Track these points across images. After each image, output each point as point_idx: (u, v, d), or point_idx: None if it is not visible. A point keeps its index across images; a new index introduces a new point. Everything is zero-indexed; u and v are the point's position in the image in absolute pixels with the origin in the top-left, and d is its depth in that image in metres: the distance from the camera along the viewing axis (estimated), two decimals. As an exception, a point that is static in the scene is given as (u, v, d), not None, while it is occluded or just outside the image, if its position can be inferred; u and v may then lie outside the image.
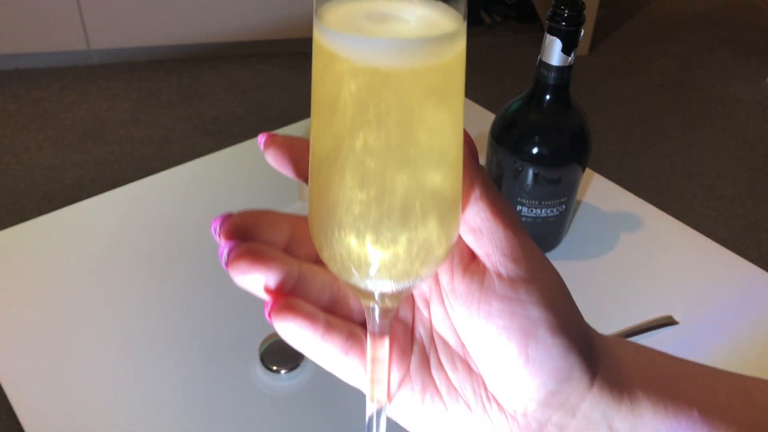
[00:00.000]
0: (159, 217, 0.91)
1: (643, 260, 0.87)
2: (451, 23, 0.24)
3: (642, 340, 0.76)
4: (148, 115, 2.44)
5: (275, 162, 0.29)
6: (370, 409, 0.30)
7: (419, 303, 0.31)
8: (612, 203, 0.95)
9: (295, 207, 0.92)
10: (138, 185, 0.96)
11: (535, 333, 0.27)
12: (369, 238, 0.25)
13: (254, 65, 2.72)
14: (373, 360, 0.29)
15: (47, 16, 2.47)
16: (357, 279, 0.27)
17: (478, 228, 0.28)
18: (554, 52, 0.72)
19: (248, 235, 0.28)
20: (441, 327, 0.30)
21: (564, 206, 0.82)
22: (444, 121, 0.25)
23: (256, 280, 0.27)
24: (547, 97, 0.76)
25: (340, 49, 0.24)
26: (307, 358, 0.66)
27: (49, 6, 2.44)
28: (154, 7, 2.52)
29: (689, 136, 2.46)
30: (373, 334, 0.28)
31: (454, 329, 0.30)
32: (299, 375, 0.70)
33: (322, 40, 0.25)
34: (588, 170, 0.96)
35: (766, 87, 2.75)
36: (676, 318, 0.79)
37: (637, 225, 0.92)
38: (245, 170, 1.00)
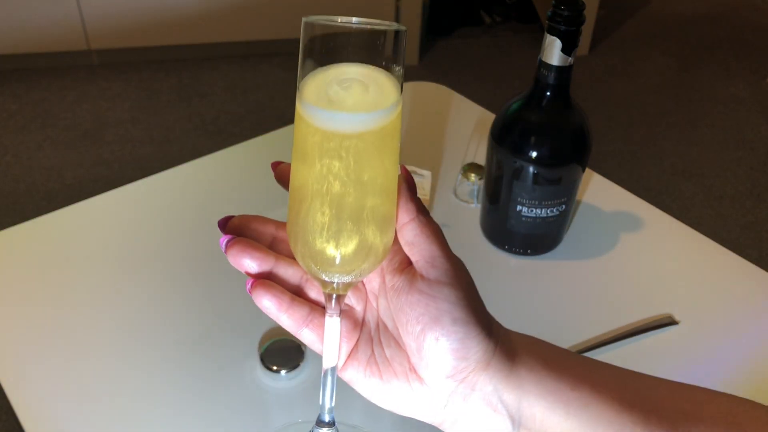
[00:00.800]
0: (159, 217, 0.91)
1: (643, 260, 0.87)
2: (392, 92, 0.36)
3: (642, 340, 0.76)
4: (148, 115, 2.44)
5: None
6: (324, 369, 0.40)
7: (371, 297, 0.42)
8: (612, 203, 0.95)
9: (295, 207, 0.92)
10: (138, 185, 0.96)
11: (441, 321, 0.36)
12: (327, 244, 0.37)
13: (254, 65, 2.72)
14: (327, 334, 0.40)
15: (47, 16, 2.47)
16: (317, 272, 0.38)
17: (412, 242, 0.38)
18: (554, 52, 0.72)
19: (243, 232, 0.41)
20: (384, 314, 0.41)
21: (564, 206, 0.82)
22: (383, 165, 0.37)
23: (243, 264, 0.40)
24: (547, 97, 0.76)
25: (309, 116, 0.36)
26: (307, 358, 0.68)
27: (49, 6, 2.44)
28: (154, 7, 2.52)
29: (689, 136, 2.46)
30: (330, 314, 0.39)
31: (391, 316, 0.40)
32: (299, 375, 0.70)
33: (300, 107, 0.37)
34: (588, 170, 0.96)
35: (766, 87, 2.75)
36: (676, 318, 0.79)
37: (637, 225, 0.92)
38: (245, 170, 1.00)
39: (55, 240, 0.87)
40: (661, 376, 0.76)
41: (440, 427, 0.40)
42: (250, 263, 0.40)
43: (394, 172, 0.38)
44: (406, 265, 0.39)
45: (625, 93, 2.68)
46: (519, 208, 0.81)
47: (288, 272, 0.41)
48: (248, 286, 0.40)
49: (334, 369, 0.40)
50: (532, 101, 0.77)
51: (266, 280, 0.40)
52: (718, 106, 2.62)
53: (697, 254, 0.89)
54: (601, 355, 0.75)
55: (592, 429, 0.37)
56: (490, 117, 1.10)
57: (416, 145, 1.01)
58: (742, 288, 0.84)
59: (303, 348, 0.71)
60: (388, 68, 0.36)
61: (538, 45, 0.75)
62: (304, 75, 0.36)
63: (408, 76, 2.45)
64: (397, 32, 0.35)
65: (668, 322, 0.78)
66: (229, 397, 0.69)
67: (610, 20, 3.11)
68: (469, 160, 0.95)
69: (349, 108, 0.35)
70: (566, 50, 0.72)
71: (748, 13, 3.28)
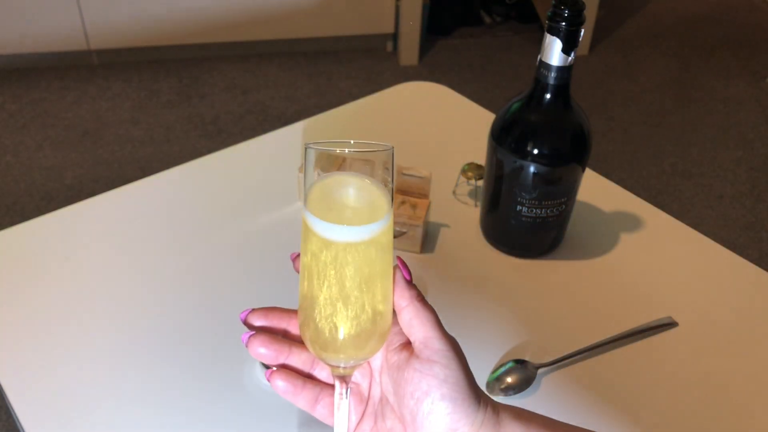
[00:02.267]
0: (159, 217, 0.91)
1: (643, 260, 0.87)
2: (384, 205, 0.43)
3: (642, 341, 0.77)
4: (148, 115, 2.44)
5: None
6: None
7: (375, 373, 0.47)
8: (612, 203, 0.95)
9: (295, 207, 0.92)
10: (138, 185, 0.96)
11: (431, 395, 0.41)
12: (332, 334, 0.43)
13: (254, 65, 2.72)
14: (337, 409, 0.45)
15: (47, 16, 2.47)
16: (325, 357, 0.44)
17: (409, 324, 0.43)
18: (554, 52, 0.72)
19: (264, 320, 0.47)
20: (386, 389, 0.46)
21: (564, 206, 0.82)
22: (379, 266, 0.43)
23: (262, 356, 0.46)
24: (547, 97, 0.76)
25: (313, 226, 0.42)
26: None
27: (49, 6, 2.44)
28: (154, 7, 2.52)
29: (689, 136, 2.46)
30: (339, 393, 0.45)
31: (392, 390, 0.45)
32: (299, 375, 0.70)
33: (305, 216, 0.43)
34: (588, 170, 0.96)
35: (766, 87, 2.74)
36: (676, 319, 0.79)
37: (637, 225, 0.92)
38: (245, 170, 1.00)
39: (55, 240, 0.87)
40: (662, 376, 0.76)
41: None
42: (267, 353, 0.46)
43: (389, 267, 0.44)
44: (405, 344, 0.45)
45: (625, 93, 2.68)
46: (519, 208, 0.81)
47: (302, 357, 0.47)
48: (267, 376, 0.46)
49: None
50: (532, 101, 0.77)
51: (282, 368, 0.46)
52: (718, 106, 2.62)
53: (697, 254, 0.89)
54: (601, 355, 0.75)
55: None
56: (490, 117, 1.10)
57: (416, 145, 1.01)
58: (742, 288, 0.84)
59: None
60: (381, 180, 0.43)
61: (538, 45, 0.75)
62: (307, 188, 0.43)
63: (408, 76, 2.45)
64: (385, 152, 0.42)
65: (668, 322, 0.78)
66: (229, 397, 0.69)
67: (610, 20, 3.11)
68: (469, 160, 0.95)
69: (347, 220, 0.42)
70: (566, 50, 0.72)
71: (748, 13, 3.28)
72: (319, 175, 0.42)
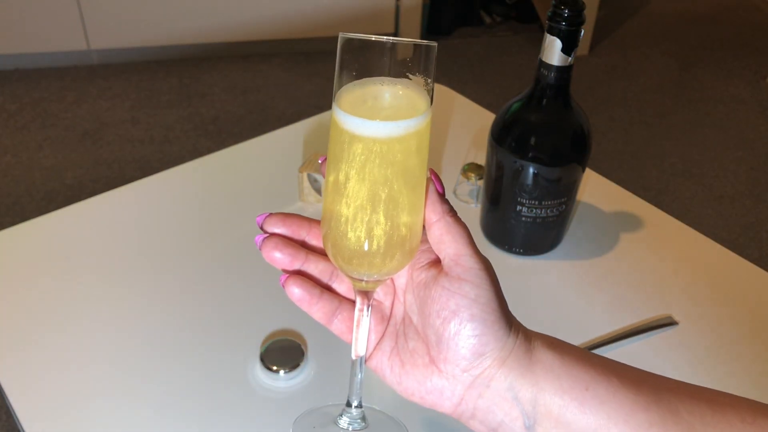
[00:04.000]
0: (159, 217, 0.91)
1: (643, 260, 0.87)
2: (422, 103, 0.39)
3: (642, 340, 0.77)
4: (148, 115, 2.44)
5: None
6: (353, 358, 0.43)
7: (399, 292, 0.44)
8: (612, 203, 0.95)
9: (295, 207, 0.92)
10: (138, 185, 0.96)
11: (459, 316, 0.38)
12: (357, 244, 0.40)
13: (254, 65, 2.72)
14: (357, 325, 0.43)
15: (47, 16, 2.47)
16: (348, 270, 0.41)
17: (439, 240, 0.40)
18: (554, 52, 0.72)
19: (282, 227, 0.44)
20: (409, 309, 0.43)
21: (564, 206, 0.82)
22: (412, 170, 0.39)
23: (275, 259, 0.43)
24: (547, 97, 0.76)
25: (344, 123, 0.38)
26: (306, 359, 0.67)
27: (49, 6, 2.44)
28: (154, 7, 2.52)
29: (689, 136, 2.46)
30: (359, 308, 0.42)
31: (416, 310, 0.42)
32: (299, 375, 0.70)
33: (336, 115, 0.39)
34: (588, 170, 0.96)
35: (766, 87, 2.74)
36: (676, 318, 0.79)
37: (637, 225, 0.92)
38: (245, 170, 1.00)
39: (55, 240, 0.87)
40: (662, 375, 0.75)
41: (458, 420, 0.41)
42: (282, 258, 0.43)
43: (422, 176, 0.40)
44: (433, 262, 0.41)
45: (625, 93, 2.68)
46: (519, 208, 0.81)
47: (319, 267, 0.44)
48: (282, 281, 0.43)
49: (362, 358, 0.43)
50: (532, 101, 0.77)
51: (298, 275, 0.43)
52: (718, 106, 2.62)
53: (697, 254, 0.89)
54: (602, 354, 0.75)
55: (606, 428, 0.37)
56: (490, 117, 1.10)
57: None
58: (742, 288, 0.84)
59: (303, 348, 0.71)
60: (418, 78, 0.39)
61: (538, 45, 0.75)
62: (340, 85, 0.39)
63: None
64: (427, 47, 0.38)
65: (668, 322, 0.78)
66: (229, 397, 0.69)
67: (610, 20, 3.11)
68: (469, 160, 0.95)
69: (381, 117, 0.38)
70: (566, 50, 0.72)
71: (748, 13, 3.28)
72: (351, 71, 0.39)
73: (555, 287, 0.83)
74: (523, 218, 0.82)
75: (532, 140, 0.78)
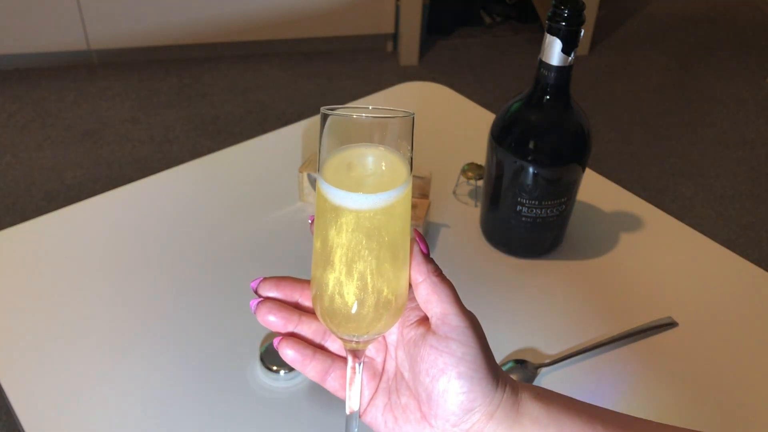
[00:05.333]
0: (159, 217, 0.91)
1: (643, 260, 0.87)
2: (402, 173, 0.40)
3: (642, 341, 0.77)
4: (148, 115, 2.44)
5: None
6: (347, 413, 0.45)
7: (390, 348, 0.46)
8: (612, 203, 0.95)
9: (295, 207, 0.92)
10: (138, 185, 0.96)
11: (447, 374, 0.40)
12: (345, 307, 0.41)
13: (254, 65, 2.72)
14: (350, 383, 0.44)
15: (47, 16, 2.47)
16: (338, 331, 0.42)
17: (426, 299, 0.42)
18: (554, 52, 0.72)
19: (275, 291, 0.46)
20: (401, 365, 0.44)
21: (564, 206, 0.82)
22: (395, 236, 0.41)
23: (270, 323, 0.45)
24: (547, 97, 0.76)
25: (327, 194, 0.40)
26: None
27: (49, 6, 2.44)
28: (155, 7, 2.52)
29: (689, 136, 2.46)
30: (351, 367, 0.44)
31: (407, 366, 0.43)
32: (299, 375, 0.70)
33: (320, 185, 0.41)
34: (588, 170, 0.96)
35: (766, 87, 2.74)
36: (676, 319, 0.79)
37: (637, 225, 0.92)
38: (245, 170, 1.00)
39: (55, 240, 0.87)
40: (662, 376, 0.76)
41: None
42: (276, 321, 0.44)
43: (406, 239, 0.42)
44: (421, 320, 0.43)
45: (625, 93, 2.68)
46: (519, 208, 0.81)
47: (312, 327, 0.45)
48: (275, 343, 0.45)
49: (356, 414, 0.45)
50: (532, 101, 0.77)
51: (291, 336, 0.45)
52: (718, 106, 2.62)
53: (697, 254, 0.89)
54: (602, 355, 0.75)
55: None
56: (490, 117, 1.10)
57: (416, 145, 1.01)
58: (742, 288, 0.84)
59: (303, 348, 0.71)
60: (398, 148, 0.40)
61: (538, 45, 0.75)
62: (323, 154, 0.40)
63: (408, 75, 2.45)
64: (404, 119, 0.40)
65: (668, 323, 0.78)
66: (229, 397, 0.69)
67: (610, 20, 3.11)
68: (469, 160, 0.95)
69: (365, 187, 0.40)
70: (566, 50, 0.72)
71: (748, 13, 3.28)
72: (334, 143, 0.40)
73: (555, 288, 0.83)
74: (523, 218, 0.82)
75: (532, 140, 0.78)
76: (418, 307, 0.43)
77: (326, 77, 2.67)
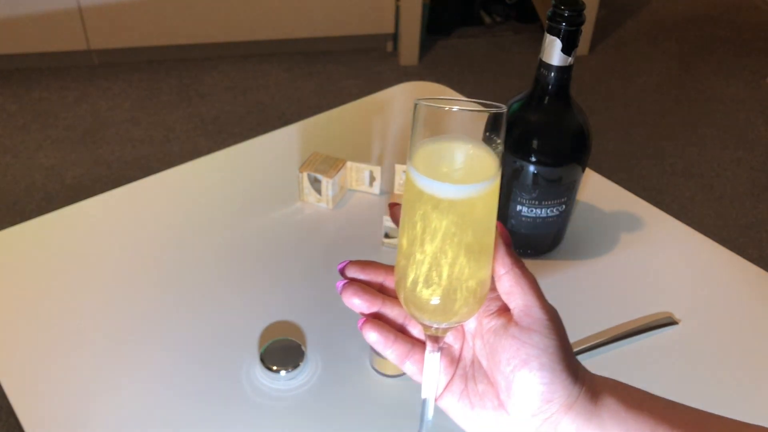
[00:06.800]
0: (159, 217, 0.91)
1: (643, 260, 0.87)
2: (492, 165, 0.41)
3: (642, 340, 0.77)
4: (148, 115, 2.44)
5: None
6: (423, 398, 0.46)
7: (468, 336, 0.47)
8: (612, 203, 0.95)
9: (295, 207, 0.92)
10: (138, 185, 0.96)
11: (529, 365, 0.40)
12: (428, 295, 0.42)
13: (254, 65, 2.72)
14: (426, 369, 0.45)
15: (47, 16, 2.47)
16: (419, 317, 0.44)
17: (508, 291, 0.43)
18: (554, 52, 0.72)
19: (361, 273, 0.47)
20: (479, 353, 0.45)
21: (564, 206, 0.82)
22: (481, 227, 0.42)
23: (354, 304, 0.46)
24: (547, 97, 0.76)
25: (419, 184, 0.41)
26: (306, 359, 0.67)
27: (49, 6, 2.44)
28: (155, 7, 2.52)
29: (689, 136, 2.46)
30: (430, 352, 0.45)
31: (486, 355, 0.44)
32: (299, 375, 0.70)
33: (411, 174, 0.42)
34: (588, 170, 0.96)
35: (766, 87, 2.75)
36: (676, 318, 0.79)
37: (637, 225, 0.92)
38: (245, 170, 1.00)
39: (55, 240, 0.87)
40: (662, 375, 0.76)
41: None
42: (360, 304, 0.46)
43: (491, 231, 0.43)
44: (501, 310, 0.44)
45: (625, 93, 2.68)
46: (519, 208, 0.81)
47: (394, 312, 0.47)
48: (359, 324, 0.46)
49: (430, 399, 0.46)
50: (532, 101, 0.77)
51: (375, 318, 0.46)
52: (718, 106, 2.62)
53: (697, 254, 0.89)
54: (602, 355, 0.75)
55: None
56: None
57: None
58: (742, 288, 0.84)
59: (303, 348, 0.71)
60: (488, 142, 0.41)
61: (538, 45, 0.75)
62: (414, 144, 0.42)
63: (408, 76, 2.45)
64: (497, 114, 0.40)
65: (668, 322, 0.78)
66: (229, 397, 0.69)
67: (610, 20, 3.11)
68: (469, 160, 0.95)
69: (454, 178, 0.41)
70: (566, 50, 0.72)
71: (748, 13, 3.28)
72: (425, 133, 0.42)
73: (555, 287, 0.83)
74: (523, 218, 0.82)
75: (532, 140, 0.78)
76: (498, 298, 0.44)
77: (326, 77, 2.67)
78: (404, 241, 0.43)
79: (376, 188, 0.95)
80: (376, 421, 0.67)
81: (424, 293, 0.42)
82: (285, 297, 0.79)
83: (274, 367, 0.69)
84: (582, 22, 0.71)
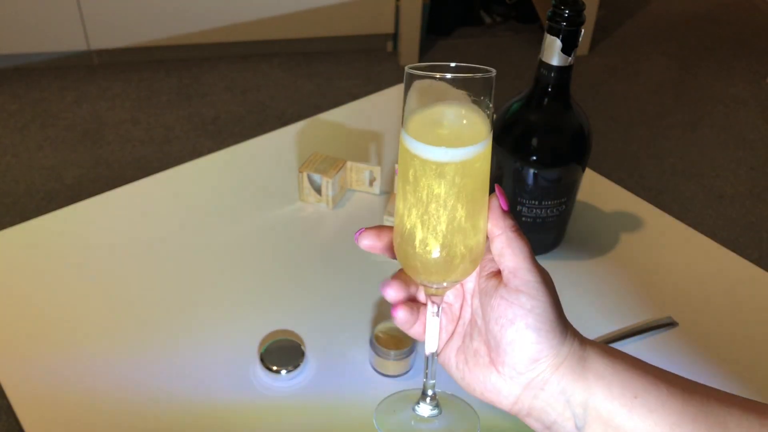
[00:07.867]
0: (159, 217, 0.91)
1: (643, 260, 0.87)
2: (483, 127, 0.43)
3: (642, 340, 0.76)
4: (148, 115, 2.44)
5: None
6: (426, 354, 0.48)
7: (467, 296, 0.48)
8: (612, 203, 0.95)
9: (295, 207, 0.92)
10: (138, 185, 0.96)
11: (515, 324, 0.42)
12: (425, 258, 0.44)
13: (254, 65, 2.72)
14: (428, 326, 0.47)
15: (47, 16, 2.47)
16: (418, 278, 0.46)
17: (500, 253, 0.44)
18: (554, 52, 0.72)
19: (376, 240, 0.47)
20: (476, 312, 0.47)
21: (564, 206, 0.82)
22: (475, 190, 0.43)
23: (370, 245, 0.47)
24: (547, 97, 0.76)
25: (412, 148, 0.43)
26: (306, 358, 0.67)
27: (49, 6, 2.44)
28: (155, 8, 2.52)
29: (689, 136, 2.46)
30: (431, 310, 0.47)
31: (481, 314, 0.45)
32: (299, 375, 0.70)
33: (404, 140, 0.43)
34: (588, 170, 0.96)
35: (766, 87, 2.75)
36: (676, 319, 0.79)
37: (637, 225, 0.92)
38: (245, 170, 1.00)
39: (55, 240, 0.87)
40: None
41: (516, 416, 0.44)
42: (376, 244, 0.47)
43: (485, 194, 0.44)
44: (496, 272, 0.45)
45: (625, 93, 2.68)
46: (519, 208, 0.81)
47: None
48: (381, 286, 0.47)
49: (434, 354, 0.48)
50: (532, 101, 0.77)
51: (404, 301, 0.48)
52: (718, 106, 2.62)
53: (697, 254, 0.89)
54: (601, 355, 0.75)
55: None
56: (490, 117, 1.10)
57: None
58: (742, 288, 0.84)
59: (303, 348, 0.71)
60: (479, 105, 0.43)
61: (538, 45, 0.75)
62: (407, 111, 0.43)
63: (408, 76, 2.42)
64: (486, 78, 0.42)
65: (668, 322, 0.78)
66: (229, 397, 0.69)
67: (610, 20, 3.11)
68: (469, 160, 0.95)
69: (446, 144, 0.42)
70: (566, 50, 0.72)
71: (748, 13, 3.28)
72: (417, 99, 0.43)
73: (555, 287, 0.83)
74: (523, 218, 0.82)
75: (532, 140, 0.78)
76: (493, 259, 0.45)
77: (326, 77, 2.67)
78: (401, 205, 0.45)
79: (376, 188, 0.95)
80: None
81: (421, 255, 0.44)
82: (285, 296, 0.79)
83: (274, 367, 0.69)
84: (582, 22, 0.71)
